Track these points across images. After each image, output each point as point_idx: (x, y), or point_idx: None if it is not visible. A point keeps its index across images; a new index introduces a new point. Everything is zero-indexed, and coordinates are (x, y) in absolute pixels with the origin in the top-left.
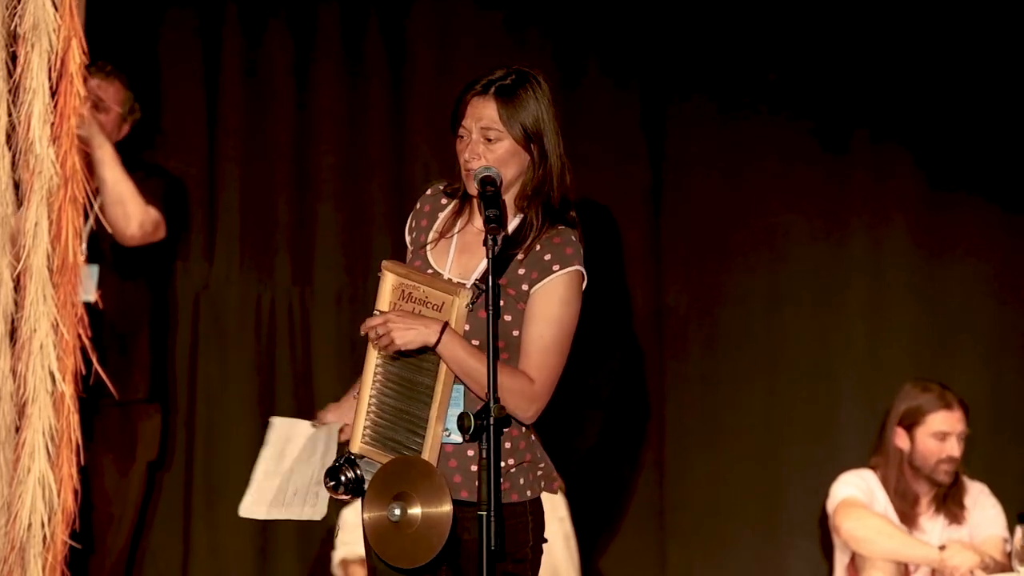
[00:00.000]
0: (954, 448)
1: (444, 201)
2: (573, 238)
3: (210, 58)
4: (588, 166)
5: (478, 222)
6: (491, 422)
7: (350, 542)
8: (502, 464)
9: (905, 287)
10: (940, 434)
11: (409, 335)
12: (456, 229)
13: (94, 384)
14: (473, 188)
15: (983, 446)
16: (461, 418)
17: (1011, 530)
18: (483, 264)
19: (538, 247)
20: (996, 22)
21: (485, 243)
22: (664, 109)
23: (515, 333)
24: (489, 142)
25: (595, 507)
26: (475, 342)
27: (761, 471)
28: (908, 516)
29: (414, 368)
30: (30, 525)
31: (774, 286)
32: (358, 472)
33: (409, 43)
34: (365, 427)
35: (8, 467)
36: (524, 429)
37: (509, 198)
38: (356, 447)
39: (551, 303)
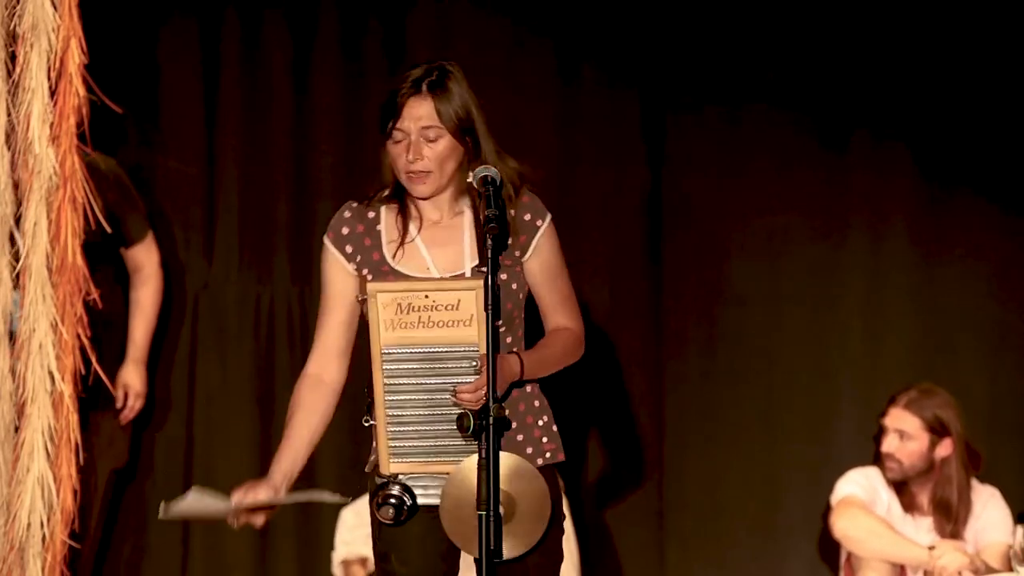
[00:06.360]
0: (889, 444)
1: (372, 215)
2: (529, 188)
3: (209, 58)
4: (587, 166)
5: (431, 214)
6: (491, 422)
7: (350, 542)
8: (541, 421)
9: (904, 287)
10: (884, 429)
11: (503, 387)
12: (413, 232)
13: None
14: (420, 190)
15: (982, 446)
16: (460, 418)
17: None
18: (467, 249)
19: (512, 212)
20: (996, 22)
21: (484, 243)
22: (663, 109)
23: (518, 294)
24: (431, 141)
25: (594, 507)
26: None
27: (760, 470)
28: (910, 513)
29: (438, 372)
30: (29, 525)
31: (773, 286)
32: (407, 488)
33: (408, 43)
34: (391, 446)
35: (7, 467)
36: (533, 387)
37: (454, 190)
38: (387, 468)
39: (550, 256)
